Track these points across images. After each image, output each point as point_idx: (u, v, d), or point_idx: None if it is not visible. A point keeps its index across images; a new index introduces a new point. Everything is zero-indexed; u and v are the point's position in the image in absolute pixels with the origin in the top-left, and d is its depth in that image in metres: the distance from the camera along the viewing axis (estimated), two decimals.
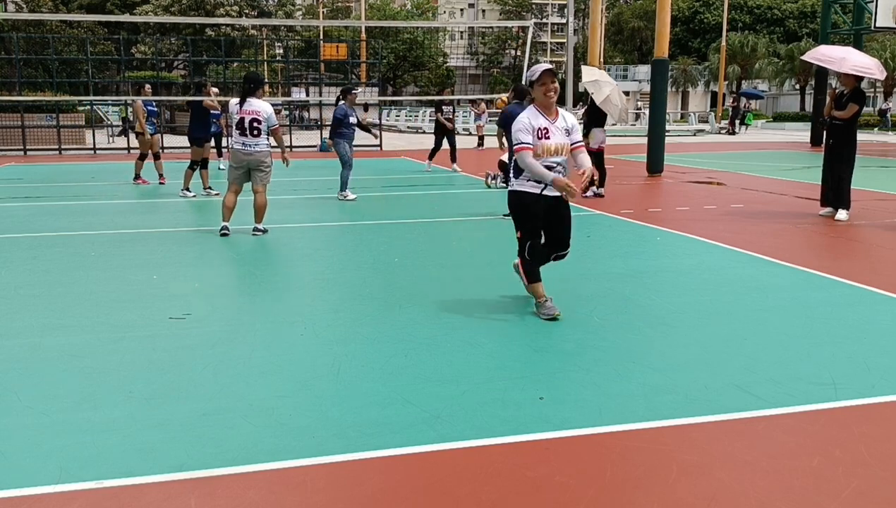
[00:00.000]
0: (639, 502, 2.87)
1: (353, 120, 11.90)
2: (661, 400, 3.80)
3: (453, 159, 16.75)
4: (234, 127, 8.48)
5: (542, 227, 5.30)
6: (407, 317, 5.32)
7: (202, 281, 6.72)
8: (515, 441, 3.33)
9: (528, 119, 5.08)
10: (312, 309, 5.58)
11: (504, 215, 9.85)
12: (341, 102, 12.01)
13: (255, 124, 8.33)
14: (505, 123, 9.73)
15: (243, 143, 8.41)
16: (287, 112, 29.29)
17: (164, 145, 22.38)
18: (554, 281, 6.53)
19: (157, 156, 13.83)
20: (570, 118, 5.27)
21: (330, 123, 12.24)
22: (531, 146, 5.05)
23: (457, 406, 3.70)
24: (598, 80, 12.30)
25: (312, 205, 11.40)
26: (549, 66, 5.11)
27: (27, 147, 21.75)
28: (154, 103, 13.88)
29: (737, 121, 37.29)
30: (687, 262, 7.29)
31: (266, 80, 28.78)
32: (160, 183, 13.70)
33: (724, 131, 36.65)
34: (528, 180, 5.13)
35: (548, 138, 5.05)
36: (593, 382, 4.08)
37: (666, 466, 3.11)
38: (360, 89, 12.70)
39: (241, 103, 8.47)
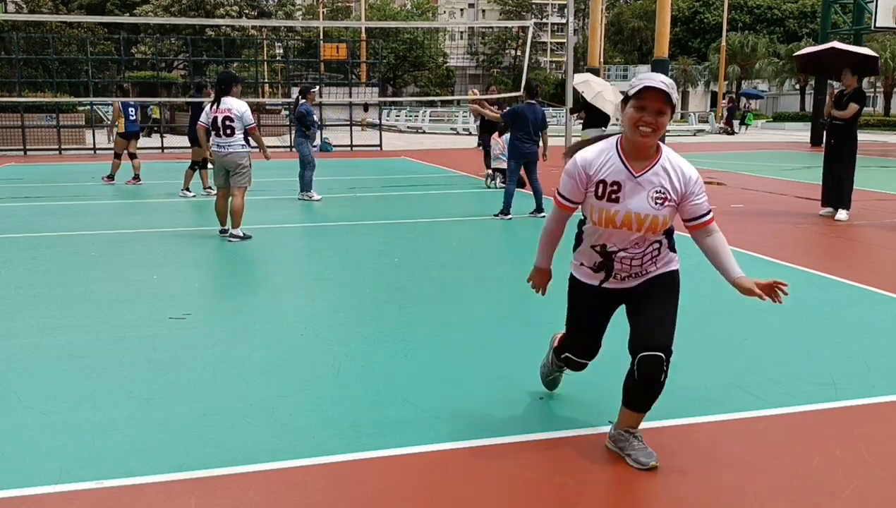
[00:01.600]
0: (639, 502, 2.87)
1: (315, 118, 11.73)
2: (662, 399, 3.78)
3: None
4: (210, 128, 8.28)
5: (591, 331, 3.51)
6: (407, 317, 5.32)
7: (202, 281, 6.72)
8: (515, 441, 3.33)
9: (585, 159, 3.05)
10: (312, 309, 5.58)
11: (494, 215, 9.85)
12: (302, 102, 11.81)
13: (228, 123, 8.10)
14: (511, 120, 9.73)
15: (218, 144, 8.18)
16: (287, 112, 29.27)
17: (165, 145, 22.44)
18: (554, 279, 6.53)
19: (117, 155, 14.27)
20: (680, 171, 3.06)
21: (321, 123, 12.13)
22: (568, 202, 3.12)
23: (457, 406, 3.70)
24: (589, 80, 12.36)
25: (312, 205, 11.40)
26: (660, 82, 2.87)
27: (27, 147, 21.74)
28: (130, 103, 14.33)
29: (735, 121, 37.27)
30: (687, 262, 7.25)
31: (261, 80, 28.75)
32: (105, 180, 14.08)
33: (723, 131, 36.65)
34: (581, 263, 3.34)
35: (614, 200, 3.00)
36: (593, 382, 4.08)
37: (666, 466, 3.11)
38: (316, 88, 12.48)
39: (216, 104, 8.27)
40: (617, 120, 13.05)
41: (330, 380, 4.07)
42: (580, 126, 12.65)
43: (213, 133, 8.26)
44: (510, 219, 9.63)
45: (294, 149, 12.06)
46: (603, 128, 12.28)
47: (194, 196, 12.01)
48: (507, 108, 9.92)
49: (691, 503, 2.85)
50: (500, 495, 2.90)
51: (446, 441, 3.32)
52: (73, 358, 4.44)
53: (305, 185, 11.72)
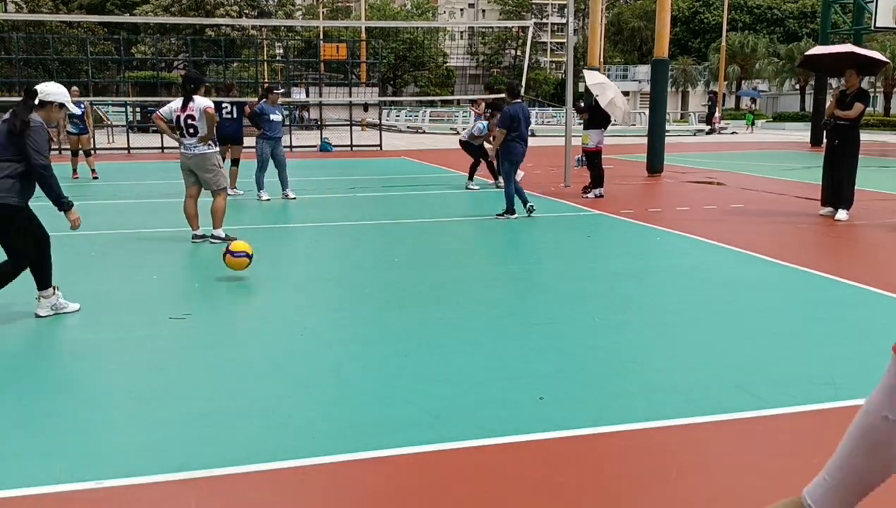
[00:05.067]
0: (639, 502, 2.87)
1: (273, 117, 11.52)
2: (661, 400, 3.80)
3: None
4: (174, 128, 8.08)
5: None
6: (407, 317, 5.32)
7: (202, 281, 6.72)
8: (515, 441, 3.33)
9: None
10: (312, 309, 5.58)
11: (497, 215, 9.86)
12: (262, 102, 11.78)
13: (190, 122, 7.91)
14: (508, 123, 9.70)
15: (184, 145, 7.99)
16: (287, 112, 29.29)
17: (165, 145, 22.42)
18: (552, 278, 6.54)
19: (87, 154, 14.90)
20: None
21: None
22: None
23: (457, 406, 3.70)
24: (603, 83, 12.32)
25: (312, 205, 11.40)
26: None
27: None
28: (81, 105, 14.88)
29: (714, 121, 37.38)
30: (687, 262, 7.29)
31: (261, 80, 28.77)
32: (93, 177, 14.74)
33: (724, 131, 36.63)
34: None
35: None
36: (593, 382, 4.08)
37: (666, 466, 3.11)
38: (281, 90, 12.41)
39: (185, 105, 8.01)
40: (621, 122, 13.10)
41: (330, 380, 4.07)
42: (581, 126, 12.65)
43: (178, 135, 8.05)
44: (515, 217, 9.67)
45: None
46: (603, 130, 12.29)
47: (242, 194, 11.95)
48: (502, 112, 9.81)
49: (691, 503, 2.85)
50: (500, 495, 2.89)
51: (446, 441, 3.32)
52: (73, 358, 4.44)
53: (258, 185, 11.65)
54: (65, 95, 5.37)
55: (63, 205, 5.34)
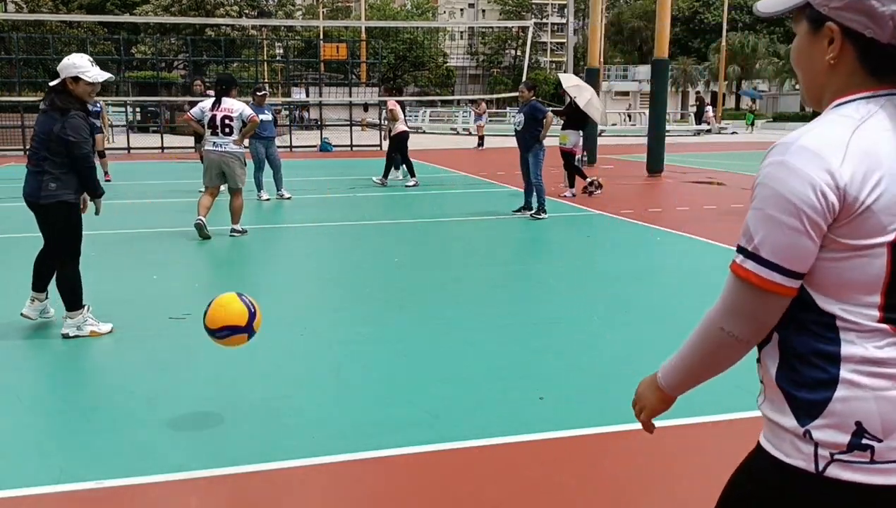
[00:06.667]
0: (638, 502, 2.87)
1: (263, 117, 11.40)
2: None
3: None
4: (206, 127, 8.38)
5: None
6: (407, 317, 5.32)
7: (202, 281, 6.72)
8: (515, 441, 3.33)
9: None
10: (312, 309, 5.58)
11: (513, 211, 9.97)
12: (249, 103, 11.85)
13: (227, 122, 8.29)
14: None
15: (214, 143, 8.32)
16: (287, 112, 29.29)
17: (165, 145, 22.45)
18: (552, 278, 6.54)
19: (101, 155, 14.60)
20: None
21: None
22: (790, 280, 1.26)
23: (457, 406, 3.71)
24: (580, 85, 12.46)
25: (312, 205, 11.40)
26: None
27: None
28: (98, 104, 14.90)
29: (704, 121, 37.46)
30: (687, 262, 7.29)
31: (262, 81, 28.87)
32: (106, 180, 14.38)
33: (724, 131, 36.63)
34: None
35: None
36: (593, 382, 4.08)
37: (666, 466, 3.11)
38: (266, 90, 12.53)
39: (216, 104, 8.42)
40: (604, 127, 13.24)
41: (330, 380, 4.08)
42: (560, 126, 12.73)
43: (209, 132, 8.37)
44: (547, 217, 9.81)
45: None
46: (580, 131, 12.40)
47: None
48: (546, 109, 10.09)
49: (691, 503, 2.84)
50: (500, 495, 2.90)
51: (446, 441, 3.32)
52: (72, 358, 4.44)
53: (257, 185, 11.67)
54: (77, 67, 4.72)
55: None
